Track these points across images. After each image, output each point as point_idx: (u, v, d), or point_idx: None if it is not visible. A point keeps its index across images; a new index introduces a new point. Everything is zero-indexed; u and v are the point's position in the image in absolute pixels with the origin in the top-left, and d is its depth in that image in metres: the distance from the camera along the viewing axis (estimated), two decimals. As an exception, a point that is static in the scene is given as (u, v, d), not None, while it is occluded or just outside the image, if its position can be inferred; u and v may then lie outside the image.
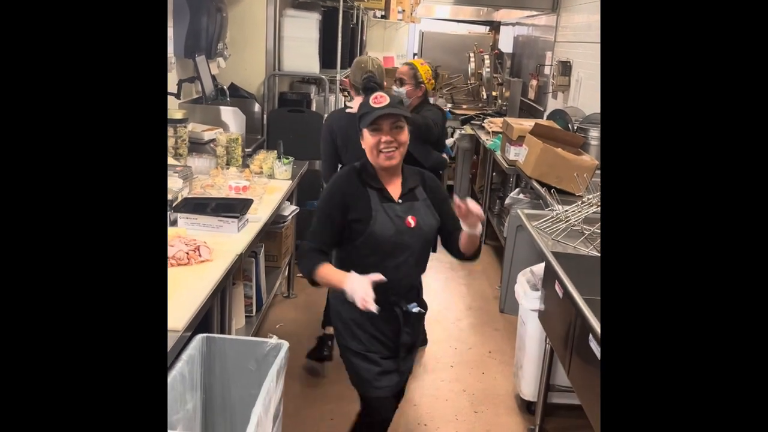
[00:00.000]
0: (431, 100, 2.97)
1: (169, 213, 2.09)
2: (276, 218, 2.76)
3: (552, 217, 2.45)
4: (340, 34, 4.15)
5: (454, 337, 3.25)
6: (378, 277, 1.60)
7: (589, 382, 1.76)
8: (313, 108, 4.32)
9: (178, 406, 1.50)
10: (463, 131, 5.31)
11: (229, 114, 3.33)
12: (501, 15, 6.84)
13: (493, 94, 5.85)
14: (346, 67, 4.24)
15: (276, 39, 4.06)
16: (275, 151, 3.02)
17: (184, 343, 1.53)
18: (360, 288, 1.58)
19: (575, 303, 1.78)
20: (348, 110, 2.52)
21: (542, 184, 3.11)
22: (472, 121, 5.23)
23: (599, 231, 2.27)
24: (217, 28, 3.48)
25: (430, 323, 3.45)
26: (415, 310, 1.82)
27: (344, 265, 1.72)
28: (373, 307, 1.54)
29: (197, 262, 1.82)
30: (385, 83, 2.62)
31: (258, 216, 2.28)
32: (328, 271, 1.69)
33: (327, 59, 4.27)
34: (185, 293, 1.63)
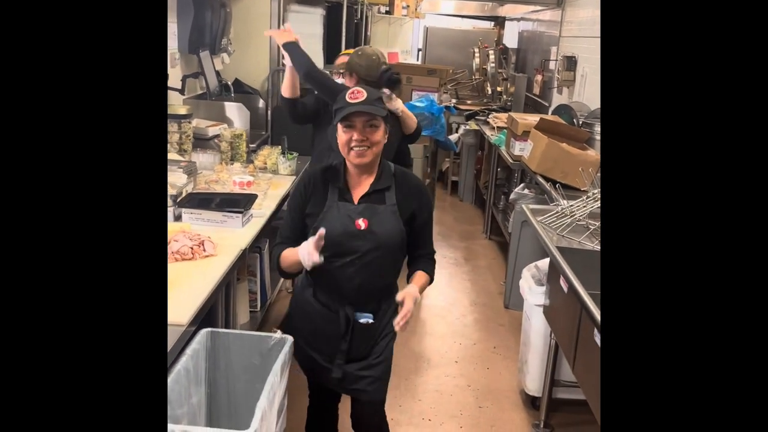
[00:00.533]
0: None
1: (173, 208, 2.09)
2: (280, 213, 2.76)
3: (557, 212, 2.44)
4: (344, 30, 4.15)
5: (458, 332, 3.25)
6: (322, 231, 1.58)
7: (594, 377, 1.76)
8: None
9: (182, 400, 1.51)
10: (467, 127, 5.30)
11: (234, 110, 3.33)
12: (506, 10, 6.82)
13: (498, 89, 5.84)
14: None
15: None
16: (279, 147, 3.02)
17: (188, 338, 1.53)
18: (305, 247, 1.58)
19: (580, 298, 1.78)
20: None
21: (547, 179, 3.10)
22: (476, 117, 5.22)
23: (604, 226, 2.25)
24: (221, 24, 3.47)
25: (434, 318, 3.46)
26: (362, 320, 1.71)
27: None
28: (317, 258, 1.54)
29: (201, 257, 1.82)
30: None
31: (262, 211, 2.28)
32: (287, 254, 1.69)
33: (331, 55, 4.27)
34: (189, 288, 1.63)
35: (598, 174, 2.99)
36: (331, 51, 4.27)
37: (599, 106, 3.62)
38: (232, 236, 2.01)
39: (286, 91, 2.52)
